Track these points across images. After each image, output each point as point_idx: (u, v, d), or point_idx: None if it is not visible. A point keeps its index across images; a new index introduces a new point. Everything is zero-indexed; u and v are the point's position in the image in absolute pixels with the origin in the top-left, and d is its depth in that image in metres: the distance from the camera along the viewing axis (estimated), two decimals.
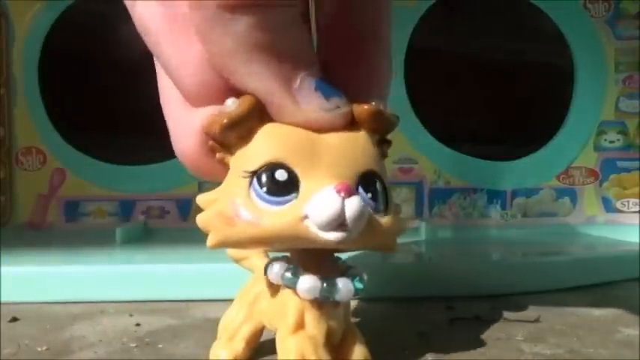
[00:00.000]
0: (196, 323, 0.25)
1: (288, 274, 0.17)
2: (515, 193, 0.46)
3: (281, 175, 0.15)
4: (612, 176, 0.46)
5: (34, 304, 0.27)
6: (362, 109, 0.16)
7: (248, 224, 0.15)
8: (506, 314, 0.26)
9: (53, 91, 0.45)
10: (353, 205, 0.14)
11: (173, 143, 0.17)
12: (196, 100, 0.16)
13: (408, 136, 0.45)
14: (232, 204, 0.15)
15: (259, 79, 0.14)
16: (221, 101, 0.16)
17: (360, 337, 0.18)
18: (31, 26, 0.43)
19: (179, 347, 0.22)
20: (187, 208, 0.45)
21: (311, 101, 0.15)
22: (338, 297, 0.17)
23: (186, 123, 0.16)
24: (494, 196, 0.45)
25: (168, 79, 0.17)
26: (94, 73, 0.47)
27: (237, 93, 0.16)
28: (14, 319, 0.25)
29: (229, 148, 0.16)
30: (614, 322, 0.25)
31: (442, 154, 0.45)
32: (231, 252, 0.22)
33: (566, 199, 0.46)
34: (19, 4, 0.43)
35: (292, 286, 0.17)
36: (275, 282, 0.18)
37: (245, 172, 0.15)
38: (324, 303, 0.17)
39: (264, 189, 0.15)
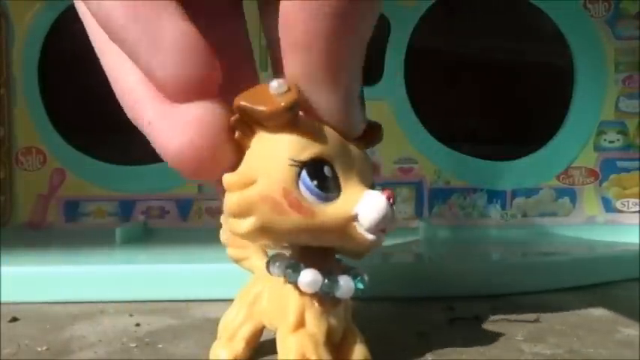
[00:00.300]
0: (196, 323, 0.25)
1: (290, 268, 0.17)
2: (514, 193, 0.46)
3: (328, 171, 0.15)
4: (612, 176, 0.46)
5: (33, 304, 0.27)
6: (377, 125, 0.17)
7: (300, 215, 0.15)
8: (506, 314, 0.26)
9: (53, 91, 0.45)
10: (394, 212, 0.15)
11: (162, 145, 0.15)
12: (175, 92, 0.14)
13: (408, 136, 0.45)
14: (284, 191, 0.14)
15: (325, 98, 0.15)
16: (207, 94, 0.15)
17: (361, 337, 0.18)
18: (31, 26, 0.43)
19: (179, 347, 0.22)
20: (187, 208, 0.45)
21: (359, 115, 0.16)
22: (338, 293, 0.17)
23: (176, 117, 0.14)
24: (494, 196, 0.45)
25: (133, 79, 0.15)
26: (94, 73, 0.47)
27: (220, 87, 0.15)
28: (14, 319, 0.25)
29: (253, 129, 0.15)
30: (614, 322, 0.25)
31: (442, 154, 0.45)
32: (231, 252, 0.22)
33: (566, 199, 0.46)
34: (18, 4, 0.43)
35: (294, 279, 0.17)
36: (276, 276, 0.18)
37: (293, 160, 0.15)
38: (324, 301, 0.17)
39: (315, 182, 0.15)
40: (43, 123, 0.44)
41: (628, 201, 0.46)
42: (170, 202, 0.44)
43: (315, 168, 0.15)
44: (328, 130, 0.15)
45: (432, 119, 0.46)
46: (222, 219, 0.20)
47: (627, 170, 0.46)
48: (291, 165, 0.15)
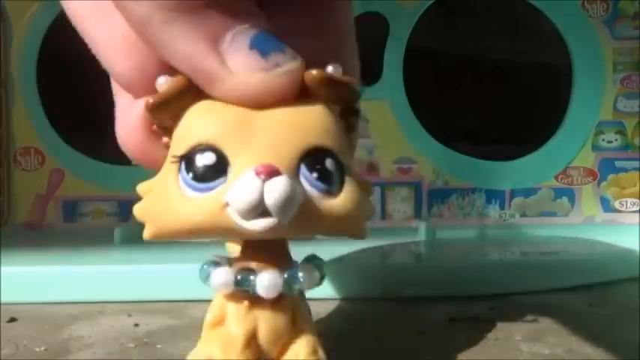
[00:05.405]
0: (195, 323, 0.25)
1: (205, 267, 0.15)
2: (513, 193, 0.46)
3: (208, 158, 0.13)
4: (610, 176, 0.46)
5: (32, 304, 0.27)
6: (309, 75, 0.13)
7: (173, 215, 0.13)
8: (505, 314, 0.26)
9: (51, 91, 0.45)
10: (275, 187, 0.12)
11: (117, 137, 0.15)
12: (130, 86, 0.14)
13: (407, 136, 0.45)
14: (162, 193, 0.13)
15: (181, 43, 0.12)
16: (143, 93, 0.14)
17: (314, 349, 0.15)
18: (30, 26, 0.43)
19: (178, 347, 0.22)
20: None
21: (241, 61, 0.12)
22: (259, 291, 0.14)
23: (129, 115, 0.14)
24: (493, 196, 0.45)
25: None
26: (92, 72, 0.47)
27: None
28: (12, 320, 0.25)
29: (170, 131, 0.14)
30: (612, 321, 0.26)
31: (441, 153, 0.45)
32: (230, 244, 0.22)
33: (565, 199, 0.46)
34: (17, 4, 0.43)
35: (205, 280, 0.15)
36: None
37: (173, 156, 0.13)
38: (254, 298, 0.14)
39: (190, 175, 0.13)
40: (42, 123, 0.44)
41: (626, 201, 0.46)
42: None
43: (190, 158, 0.13)
44: (222, 105, 0.13)
45: (431, 119, 0.46)
46: None
47: (626, 170, 0.46)
48: (172, 162, 0.13)
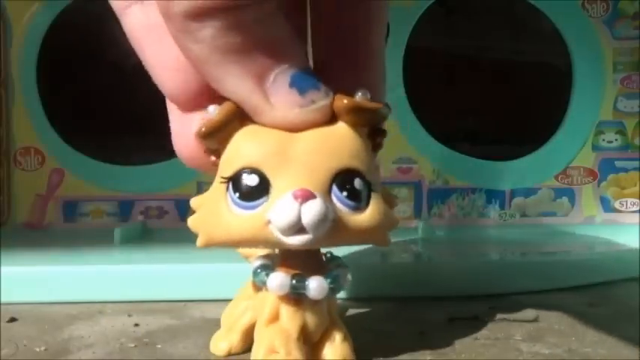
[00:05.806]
0: (195, 323, 0.25)
1: (259, 272, 0.18)
2: (513, 193, 0.46)
3: (252, 180, 0.15)
4: (610, 176, 0.46)
5: (32, 304, 0.27)
6: (340, 103, 0.15)
7: (223, 229, 0.16)
8: (504, 314, 0.26)
9: (52, 91, 0.45)
10: (310, 209, 0.14)
11: (174, 146, 0.18)
12: (181, 104, 0.17)
13: (407, 136, 0.45)
14: (212, 209, 0.16)
15: (233, 80, 0.14)
16: (195, 108, 0.17)
17: (345, 335, 0.19)
18: (30, 26, 0.43)
19: (177, 347, 0.22)
20: (186, 209, 0.44)
21: (282, 98, 0.15)
22: (310, 294, 0.17)
23: (183, 128, 0.17)
24: (493, 196, 0.45)
25: None
26: (92, 73, 0.47)
27: (221, 96, 0.16)
28: (12, 320, 0.25)
29: (218, 152, 0.17)
30: (612, 321, 0.26)
31: (441, 154, 0.45)
32: (241, 249, 0.22)
33: (565, 199, 0.46)
34: (17, 4, 0.43)
35: (262, 283, 0.17)
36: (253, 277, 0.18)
37: (222, 178, 0.16)
38: (300, 299, 0.17)
39: (237, 194, 0.15)
40: (42, 123, 0.44)
41: (626, 201, 0.46)
42: (169, 203, 0.44)
43: (238, 181, 0.15)
44: (264, 133, 0.15)
45: (430, 119, 0.46)
46: None
47: (625, 170, 0.46)
48: (221, 182, 0.16)
